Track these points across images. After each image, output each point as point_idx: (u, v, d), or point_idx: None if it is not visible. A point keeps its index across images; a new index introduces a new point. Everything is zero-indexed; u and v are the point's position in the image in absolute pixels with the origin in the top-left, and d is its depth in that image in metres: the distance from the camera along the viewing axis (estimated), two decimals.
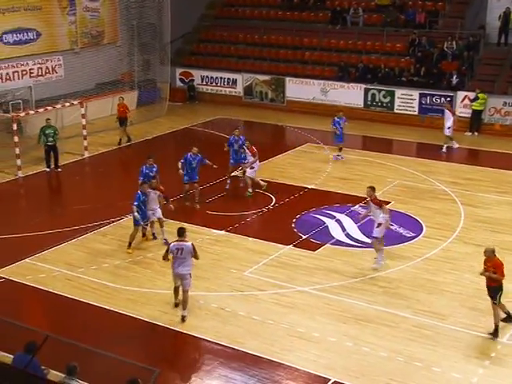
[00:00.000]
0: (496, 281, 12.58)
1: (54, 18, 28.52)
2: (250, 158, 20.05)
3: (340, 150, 23.34)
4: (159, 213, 16.81)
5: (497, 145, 25.20)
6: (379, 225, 15.36)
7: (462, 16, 29.96)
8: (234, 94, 32.30)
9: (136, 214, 16.14)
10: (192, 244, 13.15)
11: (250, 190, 20.12)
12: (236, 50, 33.42)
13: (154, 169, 17.96)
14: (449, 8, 30.55)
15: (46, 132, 22.47)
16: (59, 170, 22.82)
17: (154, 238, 17.10)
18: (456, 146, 24.70)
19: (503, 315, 12.98)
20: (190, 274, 13.34)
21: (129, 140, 25.94)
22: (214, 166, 19.39)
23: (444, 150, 24.42)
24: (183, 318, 13.33)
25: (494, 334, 12.73)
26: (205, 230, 17.71)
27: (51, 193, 22.37)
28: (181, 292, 13.57)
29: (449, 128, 24.52)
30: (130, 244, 16.50)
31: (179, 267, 13.16)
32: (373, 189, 15.79)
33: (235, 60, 33.12)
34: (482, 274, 12.69)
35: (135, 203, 16.17)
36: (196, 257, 13.21)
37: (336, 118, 23.41)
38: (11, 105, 25.33)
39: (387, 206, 17.22)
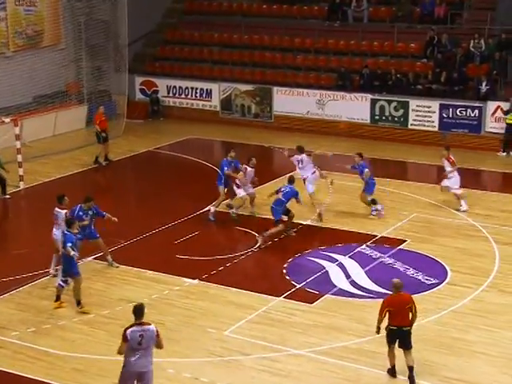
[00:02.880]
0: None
1: None
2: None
3: (372, 202, 21.33)
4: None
5: None
6: None
7: (493, 7, 30.37)
8: (208, 108, 32.47)
9: (74, 252, 15.89)
10: (156, 328, 12.14)
11: (234, 210, 21.19)
12: (210, 54, 33.68)
13: (91, 212, 17.73)
14: None
15: None
16: (8, 196, 23.34)
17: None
18: None
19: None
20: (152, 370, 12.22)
21: (106, 159, 26.64)
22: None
23: None
24: None
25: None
26: (173, 279, 17.63)
27: None
28: None
29: None
30: (79, 302, 16.29)
31: (139, 360, 11.94)
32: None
33: (209, 66, 33.36)
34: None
35: (68, 244, 15.85)
36: (161, 346, 12.19)
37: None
38: None
39: (402, 246, 17.26)
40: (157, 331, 11.99)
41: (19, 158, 24.34)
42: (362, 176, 21.19)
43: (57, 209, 17.41)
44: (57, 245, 17.33)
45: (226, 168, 21.00)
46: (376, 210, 21.16)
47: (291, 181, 19.93)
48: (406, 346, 13.27)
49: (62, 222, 17.12)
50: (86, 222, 17.54)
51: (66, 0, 31.12)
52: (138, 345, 11.84)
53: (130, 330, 11.88)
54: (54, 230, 17.41)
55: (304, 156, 21.44)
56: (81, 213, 17.64)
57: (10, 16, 29.64)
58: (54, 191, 24.28)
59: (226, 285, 17.30)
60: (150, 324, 12.03)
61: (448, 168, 21.56)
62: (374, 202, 21.30)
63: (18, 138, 24.54)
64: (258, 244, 19.34)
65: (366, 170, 21.07)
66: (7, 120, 24.85)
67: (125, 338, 11.85)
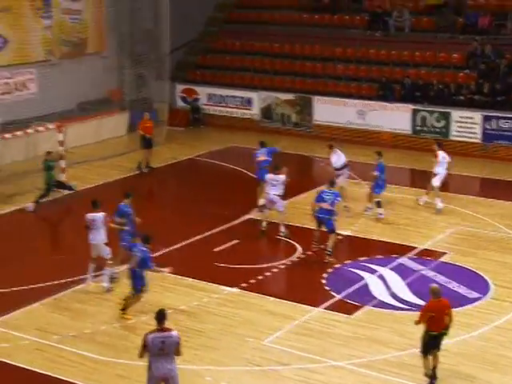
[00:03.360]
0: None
1: (24, 22, 28.84)
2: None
3: (377, 205, 22.02)
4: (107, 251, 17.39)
5: None
6: None
7: None
8: (248, 116, 32.47)
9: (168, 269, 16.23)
10: (178, 335, 12.14)
11: (283, 229, 20.55)
12: (251, 62, 33.71)
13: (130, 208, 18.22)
14: None
15: (51, 165, 23.05)
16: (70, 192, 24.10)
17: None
18: None
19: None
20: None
21: (148, 166, 26.73)
22: None
23: None
24: None
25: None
26: (213, 287, 17.64)
27: (22, 238, 22.34)
28: None
29: None
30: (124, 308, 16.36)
31: (162, 365, 11.99)
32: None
33: (250, 74, 33.38)
34: None
35: (153, 264, 15.96)
36: (179, 353, 12.15)
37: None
38: None
39: (443, 259, 16.99)
40: (179, 338, 12.04)
41: (63, 163, 24.57)
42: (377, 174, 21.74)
43: (92, 214, 17.45)
44: (98, 251, 17.38)
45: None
46: (380, 213, 21.68)
47: (332, 183, 19.74)
48: (439, 347, 13.54)
49: (101, 224, 17.30)
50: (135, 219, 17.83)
51: (111, 9, 31.32)
52: (159, 350, 11.92)
53: (151, 336, 11.97)
54: (92, 236, 17.41)
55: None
56: (126, 209, 17.93)
57: (56, 24, 29.87)
58: (98, 197, 24.52)
59: (265, 294, 17.27)
60: (171, 330, 12.09)
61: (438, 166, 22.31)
62: (379, 204, 21.75)
63: (61, 144, 24.76)
64: (330, 261, 18.87)
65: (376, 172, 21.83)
66: (51, 126, 25.07)
67: (145, 343, 11.95)
